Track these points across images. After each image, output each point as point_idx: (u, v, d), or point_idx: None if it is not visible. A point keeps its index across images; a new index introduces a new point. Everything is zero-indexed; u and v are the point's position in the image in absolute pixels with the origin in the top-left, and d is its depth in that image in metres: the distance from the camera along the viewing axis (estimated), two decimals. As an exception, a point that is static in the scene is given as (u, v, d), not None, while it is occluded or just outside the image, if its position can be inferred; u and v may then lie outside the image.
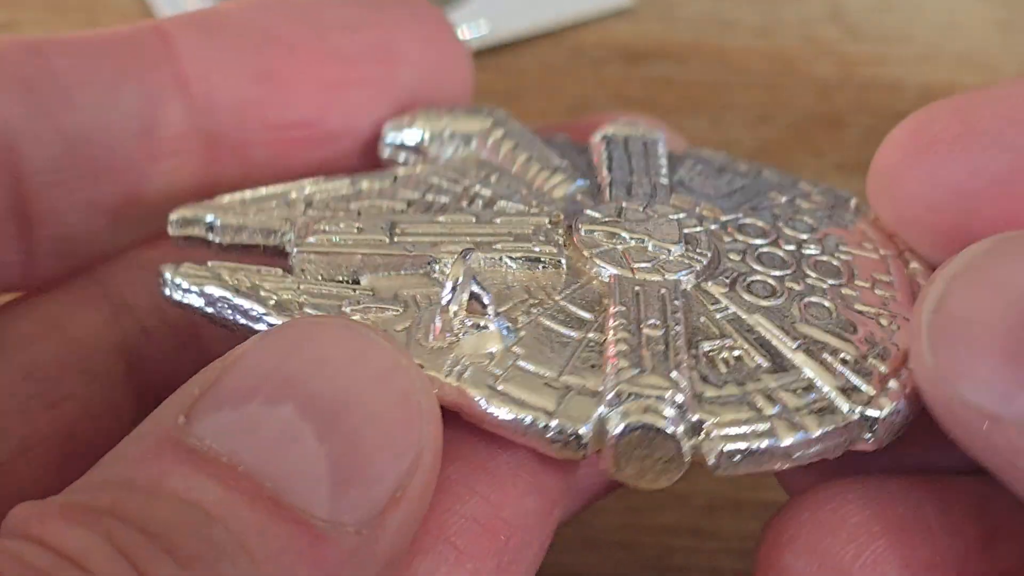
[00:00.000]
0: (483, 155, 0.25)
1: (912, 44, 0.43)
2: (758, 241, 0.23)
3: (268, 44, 0.25)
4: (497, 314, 0.21)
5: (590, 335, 0.21)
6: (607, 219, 0.23)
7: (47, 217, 0.23)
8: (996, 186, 0.21)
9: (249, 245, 0.23)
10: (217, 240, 0.23)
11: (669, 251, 0.22)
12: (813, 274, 0.23)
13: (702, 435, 0.20)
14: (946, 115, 0.23)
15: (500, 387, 0.20)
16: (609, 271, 0.22)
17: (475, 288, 0.20)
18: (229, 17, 0.25)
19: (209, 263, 0.21)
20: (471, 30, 0.41)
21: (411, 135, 0.25)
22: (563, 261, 0.22)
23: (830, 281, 0.23)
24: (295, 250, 0.22)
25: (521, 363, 0.20)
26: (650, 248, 0.22)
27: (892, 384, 0.20)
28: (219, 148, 0.24)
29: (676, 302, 0.21)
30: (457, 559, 0.19)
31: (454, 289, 0.20)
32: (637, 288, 0.22)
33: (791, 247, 0.23)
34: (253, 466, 0.17)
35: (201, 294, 0.21)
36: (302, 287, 0.21)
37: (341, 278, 0.22)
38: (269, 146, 0.25)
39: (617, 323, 0.21)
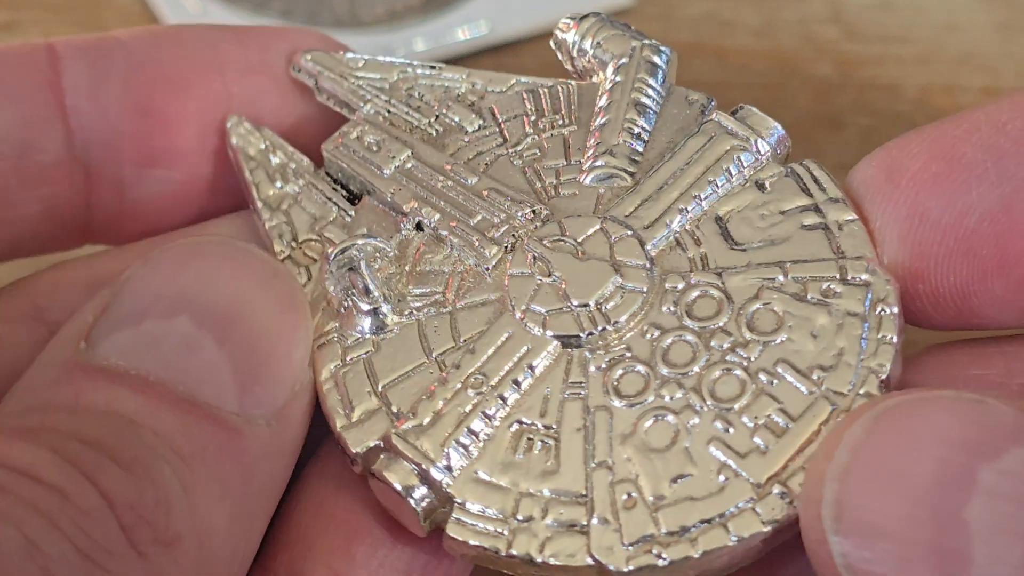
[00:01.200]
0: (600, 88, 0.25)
1: (912, 45, 0.43)
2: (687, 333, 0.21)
3: (155, 79, 0.24)
4: (374, 309, 0.22)
5: (444, 360, 0.22)
6: (547, 247, 0.22)
7: None
8: (990, 221, 0.20)
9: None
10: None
11: (572, 306, 0.22)
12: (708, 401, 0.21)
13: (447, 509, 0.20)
14: (923, 150, 0.21)
15: (343, 373, 0.21)
16: (509, 305, 0.22)
17: (364, 278, 0.22)
18: (121, 45, 0.24)
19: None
20: (471, 30, 0.41)
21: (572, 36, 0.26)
22: (488, 271, 0.22)
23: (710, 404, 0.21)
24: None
25: (373, 359, 0.21)
26: (559, 293, 0.22)
27: None
28: (95, 179, 0.24)
29: (526, 378, 0.21)
30: None
31: (332, 274, 0.22)
32: (511, 331, 0.22)
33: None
34: (162, 375, 0.17)
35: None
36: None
37: (353, 187, 0.24)
38: (144, 185, 0.24)
39: (465, 375, 0.21)
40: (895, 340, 0.20)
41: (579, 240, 0.22)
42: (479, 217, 0.23)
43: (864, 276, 0.21)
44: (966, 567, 0.16)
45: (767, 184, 0.22)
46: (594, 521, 0.20)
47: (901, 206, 0.21)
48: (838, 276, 0.21)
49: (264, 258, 0.20)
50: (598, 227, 0.22)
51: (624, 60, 0.24)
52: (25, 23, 0.41)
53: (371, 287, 0.22)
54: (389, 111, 0.25)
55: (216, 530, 0.17)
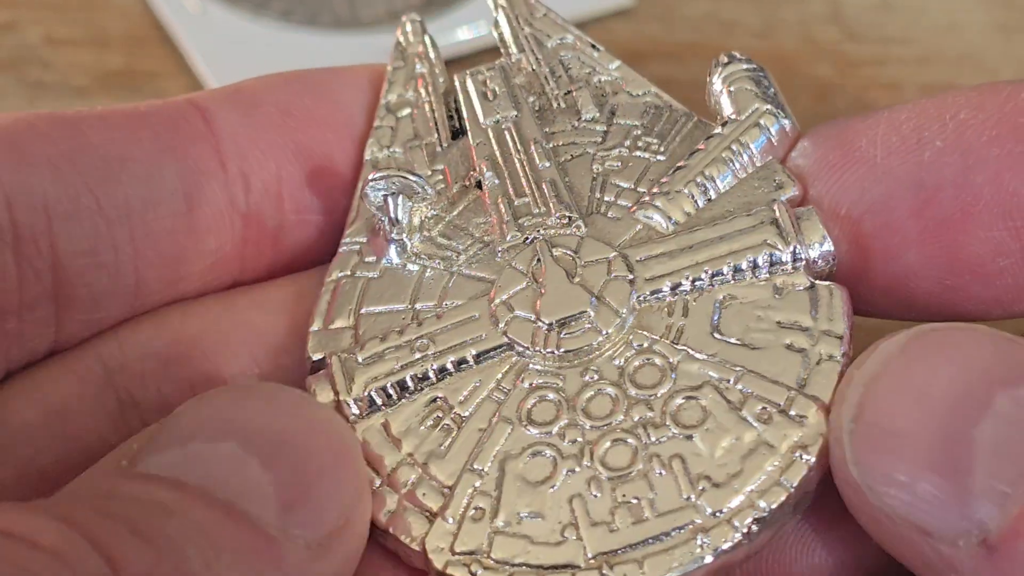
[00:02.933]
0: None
1: (912, 45, 0.43)
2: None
3: (303, 119, 0.24)
4: (398, 240, 0.23)
5: (419, 313, 0.22)
6: (552, 255, 0.23)
7: (82, 303, 0.22)
8: (873, 214, 0.21)
9: None
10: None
11: (534, 318, 0.22)
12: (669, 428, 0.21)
13: None
14: (829, 141, 0.22)
15: (344, 282, 0.23)
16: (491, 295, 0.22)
17: (394, 210, 0.23)
18: (261, 93, 0.24)
19: None
20: (471, 30, 0.41)
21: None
22: (500, 252, 0.23)
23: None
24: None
25: (371, 284, 0.23)
26: (535, 302, 0.22)
27: None
28: (253, 228, 0.24)
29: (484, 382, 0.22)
30: None
31: (367, 194, 0.23)
32: (477, 315, 0.22)
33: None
34: (203, 485, 0.17)
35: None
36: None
37: (458, 122, 0.25)
38: (300, 230, 0.24)
39: (419, 334, 0.22)
40: (792, 487, 0.19)
41: (583, 262, 0.22)
42: (523, 201, 0.23)
43: (806, 417, 0.20)
44: (966, 478, 0.17)
45: (784, 291, 0.21)
46: (443, 516, 0.20)
47: (811, 176, 0.23)
48: (782, 405, 0.20)
49: (318, 404, 0.20)
50: (607, 258, 0.22)
51: (739, 117, 0.24)
52: (25, 23, 0.41)
53: (399, 219, 0.23)
54: (532, 68, 0.25)
55: None
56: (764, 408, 0.20)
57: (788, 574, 0.21)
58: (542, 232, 0.23)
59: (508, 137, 0.24)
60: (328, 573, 0.18)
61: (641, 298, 0.22)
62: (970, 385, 0.18)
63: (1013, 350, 0.18)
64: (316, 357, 0.22)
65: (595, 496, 0.20)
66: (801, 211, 0.22)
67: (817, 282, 0.21)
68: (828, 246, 0.21)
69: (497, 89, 0.25)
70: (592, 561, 0.19)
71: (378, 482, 0.21)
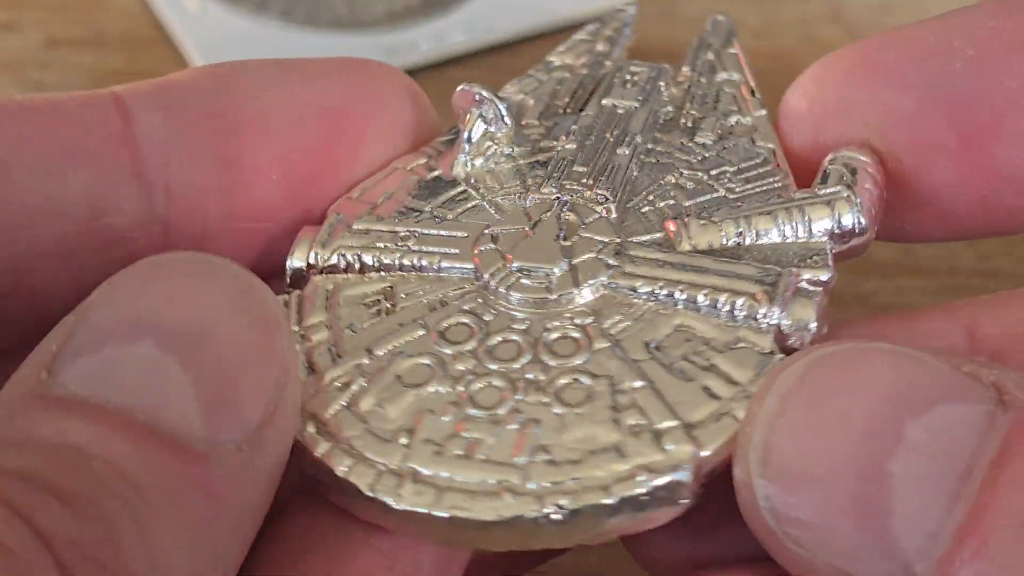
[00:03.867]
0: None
1: (912, 44, 0.43)
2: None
3: (234, 126, 0.23)
4: (463, 155, 0.24)
5: (432, 212, 0.23)
6: (559, 215, 0.23)
7: None
8: (905, 126, 0.21)
9: None
10: None
11: (506, 258, 0.22)
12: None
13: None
14: (850, 57, 0.22)
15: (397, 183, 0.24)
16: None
17: (471, 122, 0.24)
18: (191, 91, 0.23)
19: None
20: (471, 30, 0.41)
21: None
22: (529, 198, 0.23)
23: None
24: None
25: (410, 186, 0.24)
26: (517, 243, 0.22)
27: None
28: (176, 238, 0.22)
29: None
30: None
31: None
32: (466, 234, 0.23)
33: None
34: (122, 403, 0.17)
35: None
36: None
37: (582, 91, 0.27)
38: (228, 239, 0.23)
39: (406, 230, 0.23)
40: (614, 499, 0.19)
41: (583, 235, 0.22)
42: (579, 169, 0.24)
43: (674, 449, 0.19)
44: (886, 518, 0.16)
45: (741, 344, 0.20)
46: (320, 373, 0.21)
47: (826, 110, 0.22)
48: (660, 428, 0.19)
49: (235, 272, 0.19)
50: (605, 241, 0.22)
51: (817, 191, 0.22)
52: (25, 23, 0.41)
53: (471, 135, 0.24)
54: (688, 86, 0.26)
55: (178, 564, 0.16)
56: (641, 423, 0.20)
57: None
58: (573, 196, 0.23)
59: (612, 120, 0.25)
60: (264, 467, 0.18)
61: (612, 286, 0.22)
62: (877, 416, 0.17)
63: (918, 370, 0.17)
64: (301, 260, 0.23)
65: (443, 419, 0.20)
66: (810, 291, 0.21)
67: (778, 354, 0.20)
68: (809, 332, 0.20)
69: (639, 81, 0.26)
70: (401, 467, 0.19)
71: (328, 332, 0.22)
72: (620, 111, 0.25)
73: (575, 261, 0.22)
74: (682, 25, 0.43)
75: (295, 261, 0.23)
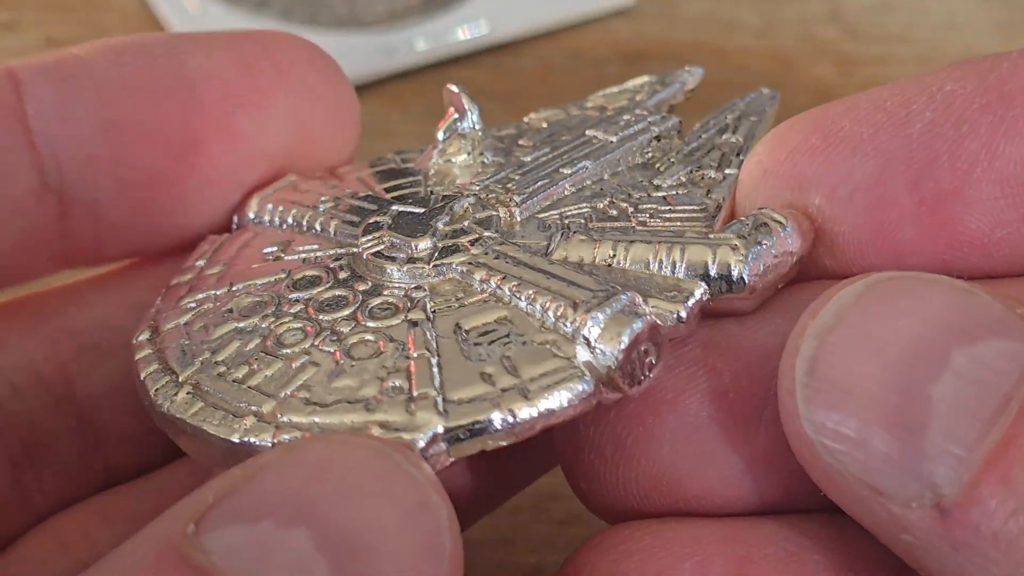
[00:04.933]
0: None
1: (912, 44, 0.43)
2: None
3: (122, 93, 0.23)
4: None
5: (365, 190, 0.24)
6: (470, 199, 0.23)
7: None
8: (864, 191, 0.21)
9: None
10: None
11: (386, 234, 0.23)
12: None
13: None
14: (806, 125, 0.21)
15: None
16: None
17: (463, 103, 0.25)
18: (84, 64, 0.23)
19: None
20: (471, 30, 0.41)
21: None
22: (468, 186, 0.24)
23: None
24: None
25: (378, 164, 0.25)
26: (402, 218, 0.23)
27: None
28: (71, 206, 0.23)
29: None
30: None
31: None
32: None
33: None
34: None
35: None
36: None
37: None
38: (122, 207, 0.23)
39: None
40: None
41: (467, 223, 0.23)
42: (518, 176, 0.24)
43: (415, 415, 0.19)
44: (921, 438, 0.17)
45: (545, 346, 0.20)
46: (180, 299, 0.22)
47: (781, 177, 0.21)
48: (414, 396, 0.19)
49: (416, 481, 0.17)
50: (481, 234, 0.23)
51: (712, 233, 0.22)
52: (25, 23, 0.41)
53: (440, 133, 0.25)
54: (697, 138, 0.26)
55: None
56: (402, 387, 0.20)
57: None
58: (490, 190, 0.24)
59: (579, 146, 0.25)
60: None
61: (460, 271, 0.22)
62: (927, 340, 0.17)
63: (971, 303, 0.18)
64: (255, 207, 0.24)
65: (246, 348, 0.21)
66: (637, 316, 0.20)
67: (579, 365, 0.20)
68: (611, 355, 0.20)
69: (632, 122, 0.26)
70: (187, 379, 0.21)
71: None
72: (595, 142, 0.25)
73: (440, 243, 0.22)
74: (682, 25, 0.43)
75: (246, 212, 0.24)
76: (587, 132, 0.26)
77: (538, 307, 0.21)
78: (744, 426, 0.20)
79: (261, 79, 0.24)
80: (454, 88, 0.25)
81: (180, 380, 0.21)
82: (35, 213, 0.22)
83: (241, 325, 0.21)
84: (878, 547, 0.18)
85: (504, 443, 0.19)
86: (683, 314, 0.20)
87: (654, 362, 0.20)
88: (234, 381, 0.20)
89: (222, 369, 0.21)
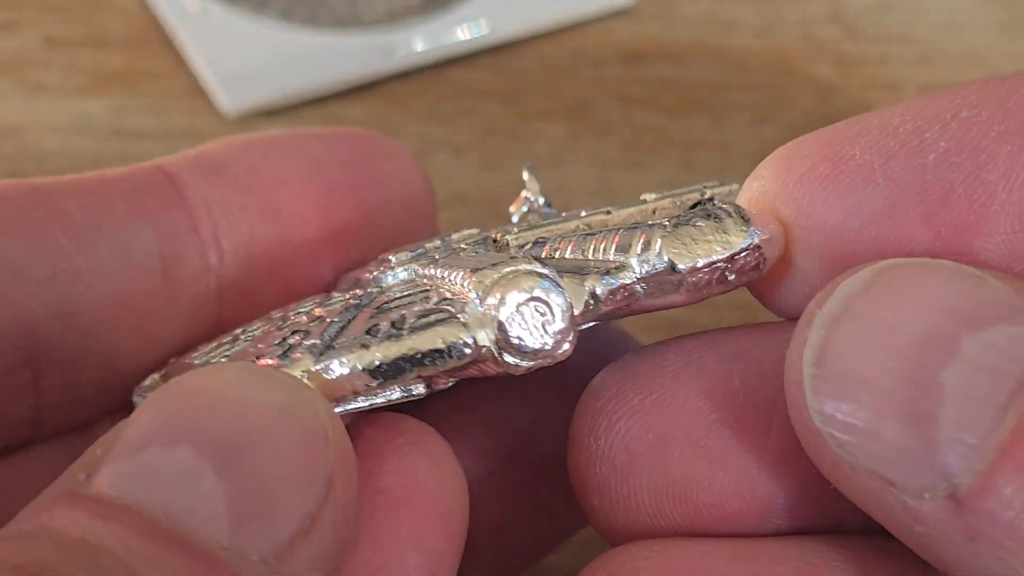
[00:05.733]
0: None
1: (912, 44, 0.43)
2: None
3: (271, 181, 0.24)
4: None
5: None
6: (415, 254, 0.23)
7: (59, 367, 0.22)
8: (877, 225, 0.20)
9: None
10: None
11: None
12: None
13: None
14: (812, 152, 0.21)
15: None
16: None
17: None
18: (228, 157, 0.24)
19: None
20: (471, 30, 0.41)
21: None
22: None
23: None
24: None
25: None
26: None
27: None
28: (229, 289, 0.24)
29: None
30: None
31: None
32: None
33: None
34: (148, 505, 0.17)
35: None
36: None
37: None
38: (273, 289, 0.24)
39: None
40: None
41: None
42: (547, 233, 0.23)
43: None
44: (933, 428, 0.17)
45: (431, 316, 0.20)
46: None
47: (787, 204, 0.21)
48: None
49: (286, 383, 0.18)
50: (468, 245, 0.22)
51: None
52: (25, 23, 0.41)
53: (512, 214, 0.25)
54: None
55: None
56: (295, 342, 0.20)
57: None
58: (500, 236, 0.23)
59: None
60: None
61: (415, 270, 0.22)
62: (937, 328, 0.17)
63: (981, 289, 0.18)
64: None
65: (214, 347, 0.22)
66: (519, 283, 0.19)
67: (460, 315, 0.19)
68: (486, 316, 0.19)
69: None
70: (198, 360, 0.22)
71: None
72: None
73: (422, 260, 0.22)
74: (682, 25, 0.43)
75: None
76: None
77: (448, 277, 0.20)
78: (756, 429, 0.20)
79: (372, 163, 0.25)
80: (531, 179, 0.24)
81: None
82: (200, 295, 0.24)
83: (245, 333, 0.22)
84: (894, 569, 0.18)
85: (377, 393, 0.19)
86: (599, 291, 0.19)
87: (558, 341, 0.19)
88: (211, 354, 0.21)
89: (213, 352, 0.21)
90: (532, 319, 0.19)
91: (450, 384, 0.20)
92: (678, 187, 0.23)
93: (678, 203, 0.21)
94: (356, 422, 0.21)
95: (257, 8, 0.41)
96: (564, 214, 0.23)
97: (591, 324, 0.20)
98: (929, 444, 0.17)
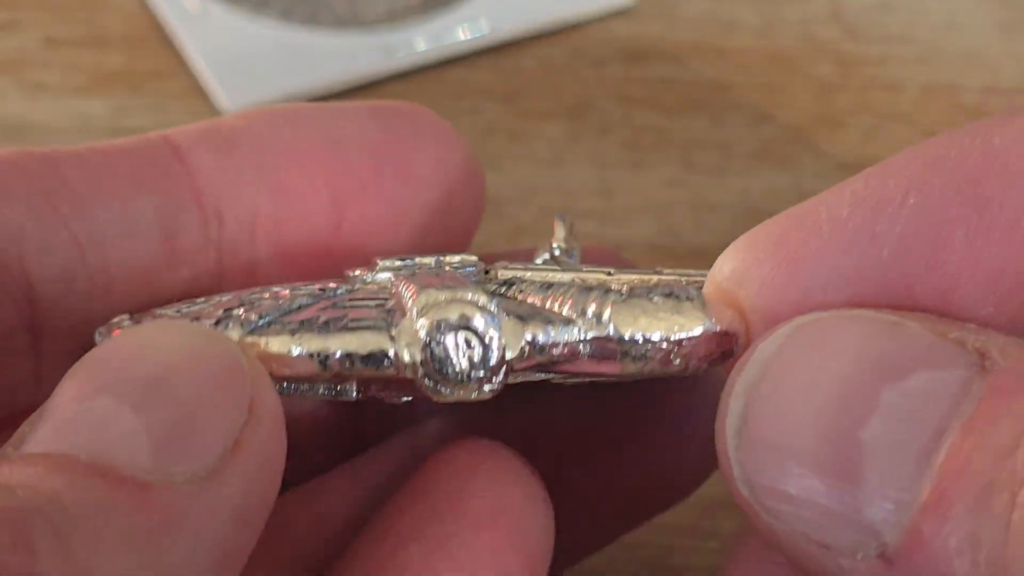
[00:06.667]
0: None
1: (912, 44, 0.43)
2: None
3: (281, 158, 0.24)
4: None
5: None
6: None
7: (58, 332, 0.23)
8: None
9: None
10: None
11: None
12: None
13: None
14: (767, 251, 0.19)
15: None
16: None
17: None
18: (239, 131, 0.24)
19: None
20: (471, 30, 0.41)
21: None
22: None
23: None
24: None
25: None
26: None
27: None
28: (231, 262, 0.24)
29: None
30: None
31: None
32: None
33: None
34: (71, 451, 0.17)
35: None
36: None
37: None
38: (278, 263, 0.24)
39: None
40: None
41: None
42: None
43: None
44: (857, 487, 0.16)
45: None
46: None
47: (744, 293, 0.20)
48: None
49: (199, 330, 0.19)
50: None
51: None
52: (25, 23, 0.41)
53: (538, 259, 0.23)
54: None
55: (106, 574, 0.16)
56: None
57: None
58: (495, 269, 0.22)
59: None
60: (227, 500, 0.18)
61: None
62: (855, 381, 0.17)
63: (899, 336, 0.17)
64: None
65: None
66: (450, 308, 0.19)
67: (389, 327, 0.19)
68: (412, 333, 0.19)
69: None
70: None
71: None
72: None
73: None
74: (682, 25, 0.43)
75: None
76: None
77: (404, 292, 0.20)
78: None
79: (406, 148, 0.24)
80: (564, 225, 0.24)
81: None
82: (199, 265, 0.24)
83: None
84: None
85: (297, 380, 0.20)
86: (540, 339, 0.19)
87: (481, 377, 0.18)
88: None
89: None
90: (459, 348, 0.18)
91: (404, 400, 0.20)
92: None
93: (683, 280, 0.20)
94: (448, 445, 0.21)
95: (257, 8, 0.41)
96: (566, 265, 0.23)
97: (526, 378, 0.19)
98: (855, 504, 0.16)
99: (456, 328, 0.18)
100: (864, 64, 0.42)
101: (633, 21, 0.43)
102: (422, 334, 0.18)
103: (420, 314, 0.19)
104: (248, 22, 0.41)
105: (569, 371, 0.19)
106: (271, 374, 0.19)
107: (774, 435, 0.17)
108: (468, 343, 0.18)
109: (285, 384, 0.20)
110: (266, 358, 0.19)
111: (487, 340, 0.18)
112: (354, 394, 0.20)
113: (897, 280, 0.19)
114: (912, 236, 0.19)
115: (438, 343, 0.18)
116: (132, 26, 0.41)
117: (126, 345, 0.19)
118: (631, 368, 0.19)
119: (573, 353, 0.19)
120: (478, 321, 0.19)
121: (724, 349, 0.19)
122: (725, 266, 0.19)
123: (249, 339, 0.20)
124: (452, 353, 0.18)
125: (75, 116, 0.38)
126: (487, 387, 0.19)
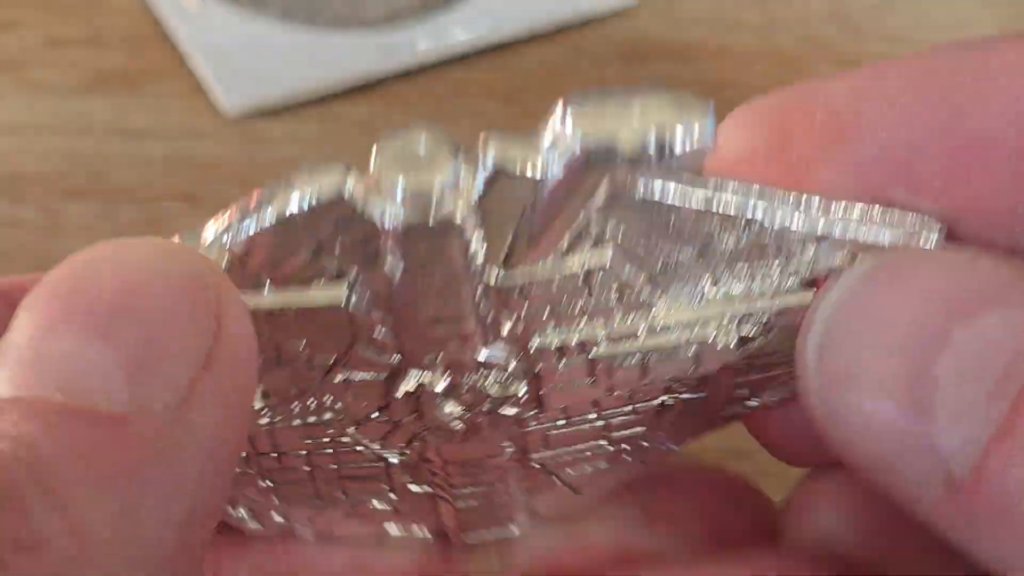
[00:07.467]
0: None
1: (913, 44, 0.43)
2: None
3: None
4: None
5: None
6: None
7: None
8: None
9: None
10: None
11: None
12: None
13: None
14: (800, 113, 0.20)
15: None
16: None
17: None
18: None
19: None
20: (471, 30, 0.41)
21: None
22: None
23: None
24: None
25: None
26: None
27: None
28: None
29: None
30: None
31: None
32: None
33: None
34: (40, 392, 0.16)
35: None
36: None
37: None
38: None
39: None
40: None
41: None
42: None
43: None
44: (926, 416, 0.17)
45: None
46: None
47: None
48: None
49: (157, 243, 0.18)
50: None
51: None
52: (25, 23, 0.41)
53: None
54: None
55: (97, 525, 0.16)
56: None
57: None
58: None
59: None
60: (205, 422, 0.17)
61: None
62: (929, 319, 0.18)
63: (973, 275, 0.18)
64: None
65: None
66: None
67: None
68: None
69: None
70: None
71: None
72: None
73: None
74: (683, 25, 0.43)
75: None
76: None
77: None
78: None
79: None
80: None
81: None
82: None
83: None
84: None
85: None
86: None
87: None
88: None
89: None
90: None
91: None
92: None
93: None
94: None
95: (257, 8, 0.41)
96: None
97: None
98: (927, 434, 0.17)
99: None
100: (864, 64, 0.42)
101: (633, 21, 0.43)
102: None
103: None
104: (248, 22, 0.41)
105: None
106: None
107: (853, 358, 0.18)
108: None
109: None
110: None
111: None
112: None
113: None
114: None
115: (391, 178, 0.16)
116: (132, 26, 0.41)
117: (81, 268, 0.18)
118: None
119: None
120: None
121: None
122: None
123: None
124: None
125: (75, 116, 0.38)
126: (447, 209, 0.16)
